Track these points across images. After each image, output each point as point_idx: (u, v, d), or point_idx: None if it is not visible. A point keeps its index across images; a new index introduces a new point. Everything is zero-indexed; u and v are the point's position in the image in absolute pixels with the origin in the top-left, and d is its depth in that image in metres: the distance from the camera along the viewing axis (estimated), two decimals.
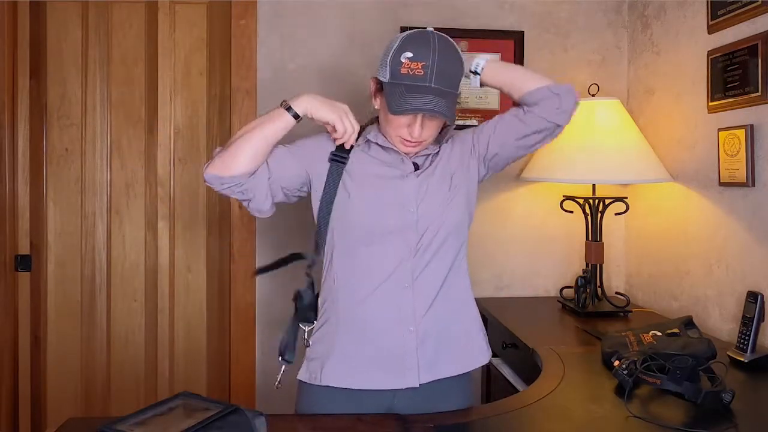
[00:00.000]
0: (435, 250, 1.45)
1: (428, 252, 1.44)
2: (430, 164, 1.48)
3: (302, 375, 1.49)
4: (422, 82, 1.32)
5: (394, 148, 1.45)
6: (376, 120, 1.52)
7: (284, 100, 1.41)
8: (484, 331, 1.58)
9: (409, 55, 1.33)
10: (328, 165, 1.46)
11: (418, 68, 1.32)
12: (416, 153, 1.46)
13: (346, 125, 1.40)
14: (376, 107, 1.47)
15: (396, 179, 1.45)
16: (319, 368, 1.45)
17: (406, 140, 1.40)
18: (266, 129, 1.39)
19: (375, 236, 1.43)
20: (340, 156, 1.46)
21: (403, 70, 1.33)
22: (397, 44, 1.37)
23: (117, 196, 2.50)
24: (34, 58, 2.42)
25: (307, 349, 1.50)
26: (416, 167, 1.47)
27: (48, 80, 2.46)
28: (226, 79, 2.49)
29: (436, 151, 1.49)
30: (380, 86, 1.41)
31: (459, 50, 1.40)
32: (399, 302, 1.43)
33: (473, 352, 1.54)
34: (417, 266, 1.43)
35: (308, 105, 1.40)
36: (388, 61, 1.37)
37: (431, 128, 1.41)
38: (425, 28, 1.42)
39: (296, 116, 1.40)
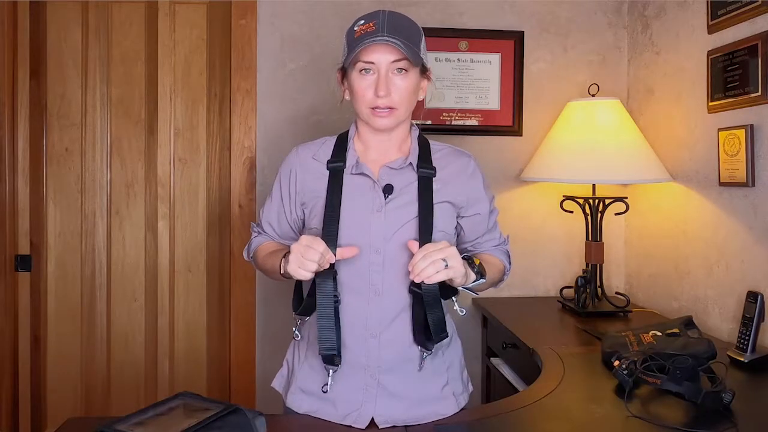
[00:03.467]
0: (397, 292, 1.36)
1: (391, 294, 1.35)
2: (405, 185, 1.38)
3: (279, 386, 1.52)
4: (376, 33, 1.29)
5: (370, 175, 1.37)
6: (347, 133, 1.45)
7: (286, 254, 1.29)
8: (461, 383, 1.48)
9: (361, 22, 1.34)
10: (323, 182, 1.39)
11: (370, 26, 1.31)
12: (392, 127, 1.37)
13: (311, 266, 1.22)
14: (347, 98, 1.41)
15: (366, 213, 1.36)
16: (281, 386, 1.50)
17: (376, 108, 1.33)
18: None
19: (342, 273, 1.36)
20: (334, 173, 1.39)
21: (357, 34, 1.32)
22: (350, 25, 1.37)
23: (117, 196, 2.50)
24: (34, 58, 2.42)
25: (285, 360, 1.51)
26: (390, 190, 1.36)
27: (48, 80, 2.46)
28: (226, 79, 2.49)
29: (411, 162, 1.39)
30: (344, 73, 1.38)
31: (413, 21, 1.38)
32: (365, 350, 1.36)
33: (436, 408, 1.40)
34: (384, 316, 1.35)
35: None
36: (345, 39, 1.36)
37: (400, 89, 1.33)
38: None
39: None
